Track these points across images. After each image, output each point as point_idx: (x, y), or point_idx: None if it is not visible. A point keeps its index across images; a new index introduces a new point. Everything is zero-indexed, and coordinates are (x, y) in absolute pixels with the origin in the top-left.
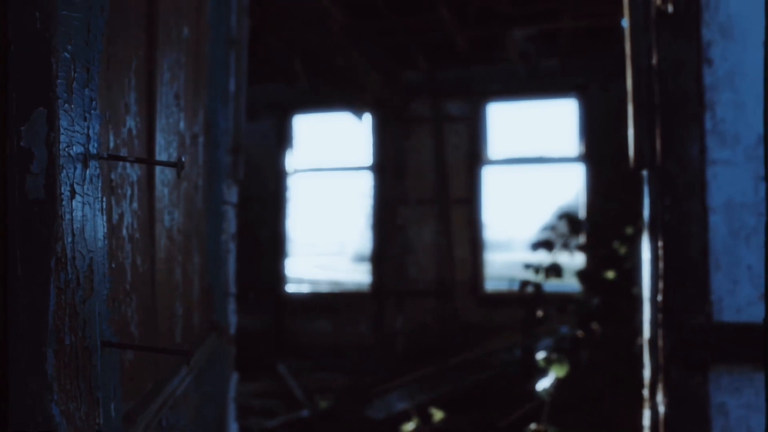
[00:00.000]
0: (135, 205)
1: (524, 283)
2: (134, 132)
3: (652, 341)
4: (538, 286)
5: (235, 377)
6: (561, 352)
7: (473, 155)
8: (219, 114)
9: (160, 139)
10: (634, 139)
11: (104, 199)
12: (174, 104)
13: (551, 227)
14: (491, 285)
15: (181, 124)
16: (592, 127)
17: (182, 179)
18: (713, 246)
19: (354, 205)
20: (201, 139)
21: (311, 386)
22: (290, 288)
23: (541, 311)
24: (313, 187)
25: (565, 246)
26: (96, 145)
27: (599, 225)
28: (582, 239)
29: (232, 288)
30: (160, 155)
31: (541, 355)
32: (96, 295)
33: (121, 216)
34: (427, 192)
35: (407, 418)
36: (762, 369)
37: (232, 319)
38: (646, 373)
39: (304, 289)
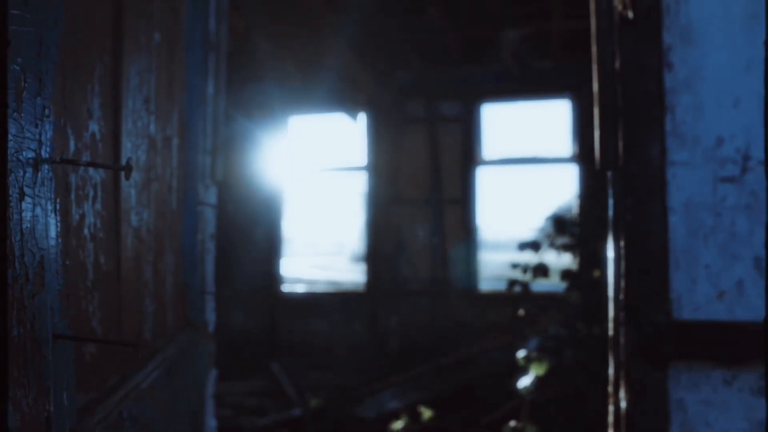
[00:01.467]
0: (98, 205)
1: (512, 283)
2: (98, 136)
3: (615, 338)
4: (525, 286)
5: (213, 374)
6: (545, 351)
7: (467, 155)
8: (196, 116)
9: (126, 143)
10: (599, 141)
11: (58, 200)
12: (143, 108)
13: (539, 228)
14: (486, 285)
15: (152, 127)
16: (585, 128)
17: (152, 180)
18: (673, 245)
19: (351, 205)
20: (175, 141)
21: (305, 385)
22: (286, 288)
23: (522, 310)
24: (310, 188)
25: (552, 246)
26: (48, 149)
27: (584, 225)
28: (568, 239)
29: (211, 287)
30: (128, 157)
31: (521, 354)
32: (47, 290)
33: (83, 216)
34: (421, 192)
35: (398, 416)
36: (720, 366)
37: (211, 317)
38: (610, 370)
39: (300, 289)
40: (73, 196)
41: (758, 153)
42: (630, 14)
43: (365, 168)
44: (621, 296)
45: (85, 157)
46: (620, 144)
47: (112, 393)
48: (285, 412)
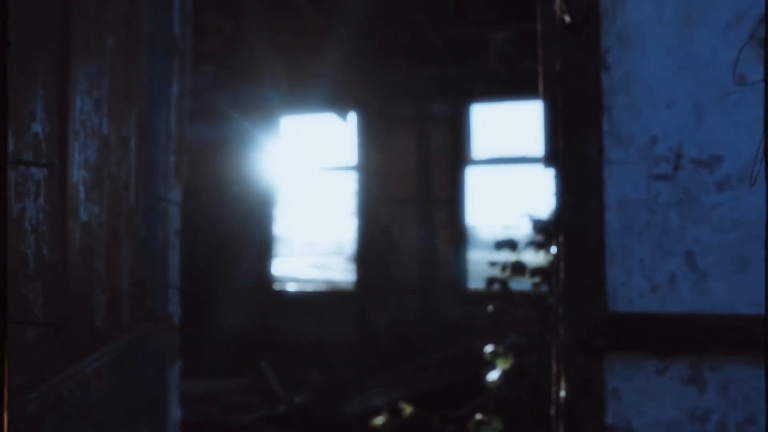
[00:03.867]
0: (41, 200)
1: (490, 281)
2: (41, 136)
3: (556, 331)
4: (504, 284)
5: (177, 365)
6: (515, 347)
7: (456, 155)
8: (158, 117)
9: (74, 142)
10: (544, 139)
11: None
12: (94, 110)
13: (517, 226)
14: (475, 284)
15: (105, 128)
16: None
17: (105, 178)
18: (609, 240)
19: (345, 205)
20: (133, 141)
21: (294, 383)
22: (278, 287)
23: (491, 307)
24: (305, 188)
25: (529, 245)
26: None
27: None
28: (543, 237)
29: (175, 280)
30: (76, 157)
31: (489, 349)
32: None
33: (23, 210)
34: (411, 192)
35: (382, 413)
36: (653, 357)
37: (175, 310)
38: (553, 361)
39: (293, 288)
40: (12, 192)
41: (690, 151)
42: (567, 18)
43: (355, 168)
44: (560, 290)
45: (27, 156)
46: (561, 142)
47: (54, 375)
48: (271, 408)
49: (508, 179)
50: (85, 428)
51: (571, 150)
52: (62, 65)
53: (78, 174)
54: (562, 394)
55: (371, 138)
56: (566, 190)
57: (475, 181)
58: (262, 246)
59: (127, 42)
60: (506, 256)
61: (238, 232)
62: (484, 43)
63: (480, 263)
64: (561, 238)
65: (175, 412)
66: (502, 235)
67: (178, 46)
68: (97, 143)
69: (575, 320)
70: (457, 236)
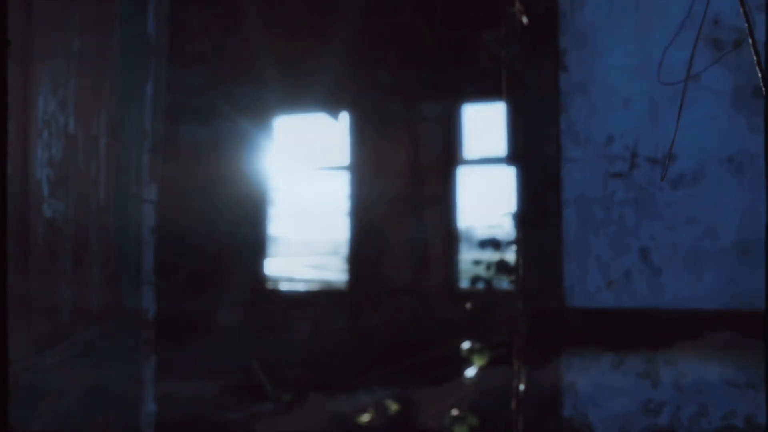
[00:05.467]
0: None
1: (474, 279)
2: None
3: (516, 326)
4: (488, 282)
5: (152, 360)
6: (497, 344)
7: (448, 155)
8: (131, 116)
9: (37, 140)
10: (507, 138)
11: None
12: (59, 109)
13: (501, 226)
14: (467, 283)
15: (71, 127)
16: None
17: (71, 175)
18: (566, 237)
19: (339, 205)
20: (103, 140)
21: (284, 381)
22: (271, 286)
23: (469, 304)
24: (300, 188)
25: (510, 243)
26: None
27: None
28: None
29: (150, 277)
30: (39, 155)
31: (466, 346)
32: None
33: None
34: (403, 191)
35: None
36: (609, 351)
37: (148, 306)
38: (514, 356)
39: (287, 287)
40: None
41: (645, 150)
42: (525, 19)
43: (348, 168)
44: (519, 286)
45: None
46: (520, 141)
47: (12, 365)
48: (259, 406)
49: (499, 179)
50: (45, 416)
51: (530, 149)
52: (24, 67)
53: (41, 172)
54: (521, 387)
55: (363, 138)
56: (525, 187)
57: (467, 181)
58: (255, 246)
59: (97, 43)
60: (491, 255)
61: (232, 231)
62: (475, 43)
63: (472, 262)
64: (520, 235)
65: (149, 407)
66: (488, 234)
67: (152, 46)
68: (63, 142)
69: (533, 316)
70: (449, 235)
